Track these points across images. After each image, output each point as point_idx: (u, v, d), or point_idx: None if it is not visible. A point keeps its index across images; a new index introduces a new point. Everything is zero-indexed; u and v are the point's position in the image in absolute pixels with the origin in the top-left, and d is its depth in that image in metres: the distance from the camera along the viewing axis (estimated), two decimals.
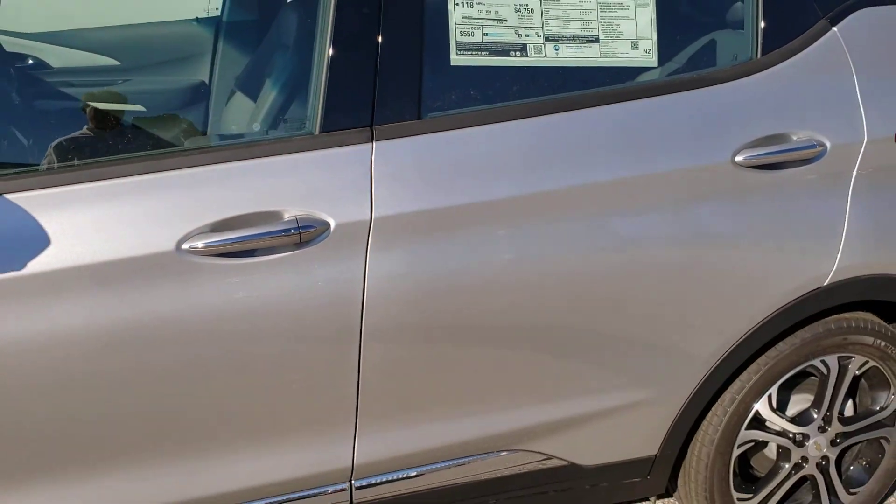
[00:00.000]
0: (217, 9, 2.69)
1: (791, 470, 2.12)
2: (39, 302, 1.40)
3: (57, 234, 1.40)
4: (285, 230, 1.49)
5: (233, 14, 2.54)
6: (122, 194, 1.44)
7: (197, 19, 2.83)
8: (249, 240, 1.48)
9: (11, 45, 2.58)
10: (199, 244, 1.46)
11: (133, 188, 1.45)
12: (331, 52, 1.54)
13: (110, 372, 1.48)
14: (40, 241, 1.39)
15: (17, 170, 1.44)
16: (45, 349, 1.42)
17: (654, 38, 1.77)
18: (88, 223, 1.42)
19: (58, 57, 2.71)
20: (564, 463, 1.91)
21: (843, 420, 2.12)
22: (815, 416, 2.09)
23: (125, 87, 2.50)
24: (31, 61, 2.60)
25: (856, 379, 2.12)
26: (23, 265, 1.38)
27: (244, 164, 1.50)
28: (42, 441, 1.49)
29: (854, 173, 1.89)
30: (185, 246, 1.45)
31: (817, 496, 2.19)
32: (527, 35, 1.68)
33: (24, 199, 1.39)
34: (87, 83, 2.49)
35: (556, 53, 1.70)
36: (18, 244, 1.39)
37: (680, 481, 2.12)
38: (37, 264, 1.38)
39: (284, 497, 1.70)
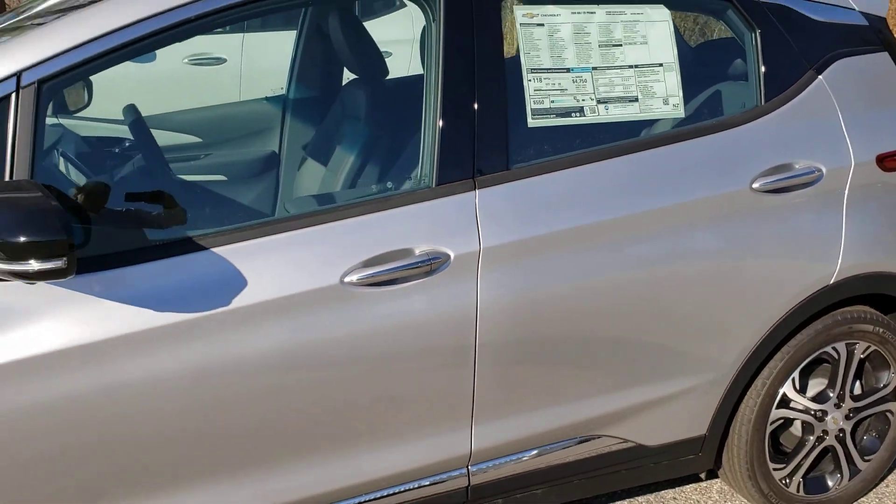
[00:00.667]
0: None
1: (815, 442, 2.53)
2: (241, 329, 1.80)
3: (251, 276, 1.80)
4: (420, 262, 1.90)
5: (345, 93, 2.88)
6: (296, 244, 1.85)
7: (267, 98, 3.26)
8: (393, 271, 1.89)
9: (115, 131, 2.98)
10: (355, 277, 1.87)
11: (303, 238, 1.86)
12: (441, 123, 1.97)
13: (291, 383, 1.87)
14: (240, 282, 1.79)
15: (213, 230, 1.84)
16: (246, 368, 1.81)
17: (680, 94, 2.23)
18: (274, 267, 1.83)
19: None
20: (633, 444, 2.32)
21: (854, 397, 2.55)
22: (831, 395, 2.51)
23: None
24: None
25: (861, 362, 2.54)
26: (228, 301, 1.78)
27: (383, 213, 1.92)
28: (244, 440, 1.88)
29: (846, 191, 2.35)
30: (346, 279, 1.86)
31: (838, 464, 2.60)
32: (583, 99, 2.13)
33: (226, 251, 1.80)
34: (191, 157, 2.89)
35: (607, 112, 2.15)
36: (223, 286, 1.79)
37: (724, 457, 2.52)
38: (238, 300, 1.78)
39: (420, 482, 2.08)
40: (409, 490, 2.08)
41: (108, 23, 1.76)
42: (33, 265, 1.52)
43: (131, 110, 2.48)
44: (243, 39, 4.17)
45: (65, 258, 1.51)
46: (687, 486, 2.77)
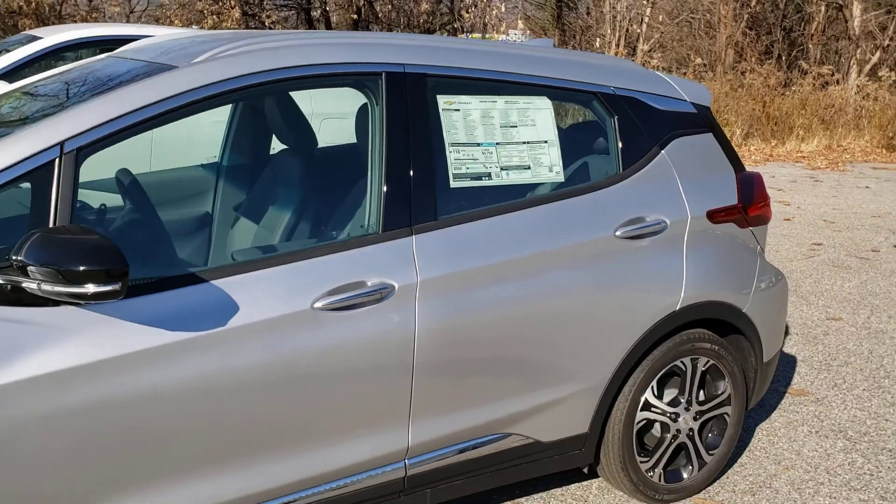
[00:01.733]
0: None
1: (671, 439, 3.18)
2: (231, 346, 2.26)
3: (240, 303, 2.28)
4: (372, 291, 2.44)
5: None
6: (272, 277, 2.35)
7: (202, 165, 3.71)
8: (352, 298, 2.41)
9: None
10: (321, 304, 2.38)
11: (278, 273, 2.36)
12: (385, 184, 2.54)
13: (271, 389, 2.34)
14: (232, 307, 2.27)
15: (207, 267, 2.31)
16: (235, 377, 2.28)
17: (560, 164, 2.89)
18: (258, 297, 2.32)
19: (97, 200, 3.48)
20: (532, 440, 2.89)
21: (699, 402, 3.23)
22: (682, 400, 3.18)
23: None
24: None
25: (703, 374, 3.23)
26: (225, 322, 2.25)
27: (340, 254, 2.45)
28: (237, 438, 2.32)
29: (686, 237, 3.06)
30: (315, 305, 2.37)
31: (689, 458, 3.26)
32: (490, 167, 2.75)
33: (223, 284, 2.27)
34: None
35: (508, 177, 2.78)
36: (218, 311, 2.26)
37: (602, 453, 3.13)
38: (233, 321, 2.26)
39: (359, 476, 2.56)
40: (360, 479, 2.56)
41: (128, 105, 2.24)
42: (90, 289, 1.95)
43: (125, 173, 2.90)
44: None
45: (121, 283, 1.96)
46: (571, 486, 3.36)
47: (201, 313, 2.24)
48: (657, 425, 3.18)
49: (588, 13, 20.88)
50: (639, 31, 18.78)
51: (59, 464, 2.11)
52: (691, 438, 3.23)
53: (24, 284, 1.99)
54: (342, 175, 2.82)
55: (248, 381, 2.31)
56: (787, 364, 4.72)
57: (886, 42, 19.77)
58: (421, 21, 18.48)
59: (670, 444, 3.19)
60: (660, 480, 3.20)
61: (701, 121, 3.26)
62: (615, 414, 3.05)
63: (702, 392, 3.26)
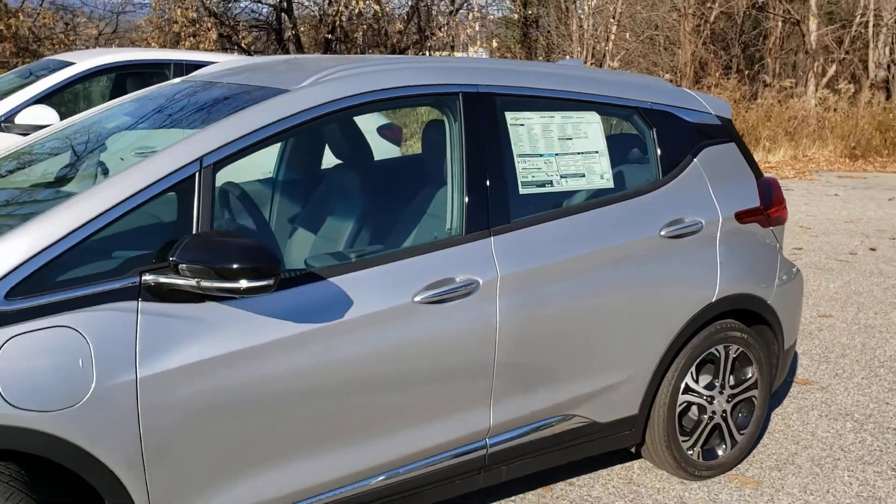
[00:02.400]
0: None
1: (707, 420, 3.52)
2: (348, 334, 2.55)
3: (354, 298, 2.57)
4: (461, 286, 2.74)
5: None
6: (378, 275, 2.64)
7: None
8: (445, 293, 2.71)
9: None
10: (420, 297, 2.67)
11: (384, 271, 2.65)
12: (466, 193, 2.84)
13: (377, 376, 2.63)
14: (347, 302, 2.55)
15: (323, 266, 2.59)
16: (353, 362, 2.56)
17: (610, 171, 3.22)
18: (367, 292, 2.60)
19: None
20: (591, 421, 3.20)
21: (731, 386, 3.57)
22: (717, 384, 3.52)
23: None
24: None
25: (734, 360, 3.57)
26: (342, 315, 2.53)
27: (432, 254, 2.74)
28: (342, 422, 2.60)
29: (718, 236, 3.41)
30: (415, 299, 2.66)
31: (723, 437, 3.59)
32: (551, 175, 3.07)
33: (337, 281, 2.56)
34: None
35: (567, 183, 3.11)
36: (333, 305, 2.54)
37: (647, 434, 3.44)
38: (348, 314, 2.54)
39: (443, 453, 2.85)
40: (449, 456, 2.85)
41: (253, 124, 2.52)
42: (243, 284, 2.23)
43: (233, 185, 3.16)
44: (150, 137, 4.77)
45: (273, 279, 2.24)
46: (615, 467, 3.67)
47: (321, 307, 2.52)
48: (695, 408, 3.51)
49: (553, 31, 21.43)
50: (606, 48, 19.32)
51: (209, 436, 2.36)
52: (724, 419, 3.57)
53: (180, 282, 2.26)
54: (426, 184, 3.11)
55: (362, 368, 2.59)
56: None
57: (842, 55, 20.58)
58: (394, 41, 18.85)
59: (707, 424, 3.52)
60: (699, 458, 3.53)
61: (725, 131, 3.62)
62: (660, 397, 3.38)
63: (732, 377, 3.59)
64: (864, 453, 3.87)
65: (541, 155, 3.06)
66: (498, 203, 2.90)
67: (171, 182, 2.37)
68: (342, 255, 2.88)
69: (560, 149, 3.11)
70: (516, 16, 19.05)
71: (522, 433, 3.01)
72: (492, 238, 2.86)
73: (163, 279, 2.26)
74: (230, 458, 2.43)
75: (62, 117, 5.18)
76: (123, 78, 5.83)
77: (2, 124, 5.18)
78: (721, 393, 3.53)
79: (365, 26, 17.32)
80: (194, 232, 2.38)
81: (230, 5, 19.02)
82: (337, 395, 2.58)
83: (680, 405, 3.44)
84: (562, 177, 3.10)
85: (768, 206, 3.64)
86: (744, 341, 3.55)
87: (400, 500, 2.79)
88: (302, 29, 19.79)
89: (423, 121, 7.83)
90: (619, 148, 3.45)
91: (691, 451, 3.50)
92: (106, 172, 2.83)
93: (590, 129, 3.20)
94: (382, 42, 18.92)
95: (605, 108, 3.30)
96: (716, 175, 3.49)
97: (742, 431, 3.65)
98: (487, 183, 2.89)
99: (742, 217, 3.52)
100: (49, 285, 2.18)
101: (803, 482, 3.59)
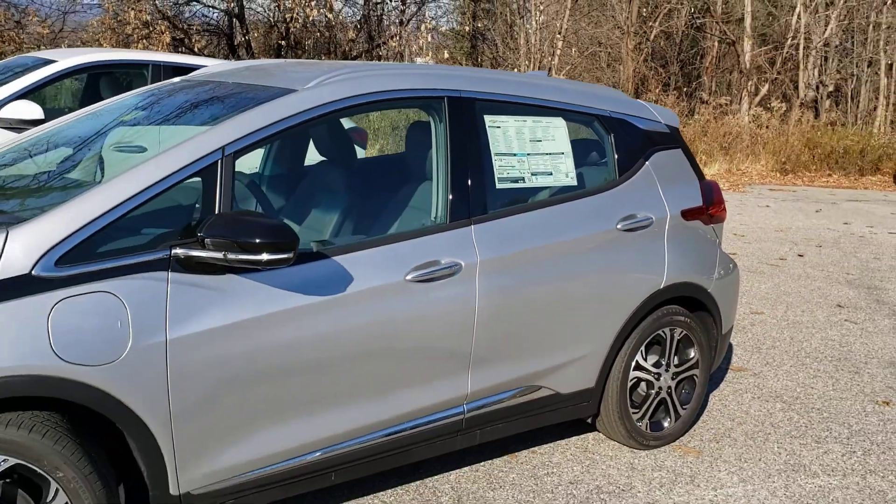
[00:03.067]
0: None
1: (654, 395, 3.93)
2: (348, 307, 2.88)
3: (354, 274, 2.90)
4: (446, 267, 3.10)
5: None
6: (375, 255, 2.98)
7: None
8: (433, 272, 3.06)
9: None
10: (411, 276, 3.02)
11: (379, 253, 2.99)
12: (450, 187, 3.21)
13: (373, 344, 2.97)
14: (348, 278, 2.89)
15: (329, 246, 2.92)
16: (353, 330, 2.89)
17: (574, 171, 3.62)
18: (363, 268, 2.94)
19: None
20: (554, 392, 3.58)
21: (676, 365, 3.99)
22: (663, 363, 3.94)
23: None
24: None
25: (678, 342, 3.99)
26: (344, 289, 2.87)
27: (420, 239, 3.09)
28: (342, 384, 2.93)
29: (666, 231, 3.83)
30: (406, 278, 3.01)
31: (667, 411, 4.01)
32: (524, 172, 3.45)
33: (339, 259, 2.89)
34: None
35: (536, 180, 3.49)
36: (336, 280, 2.87)
37: (602, 406, 3.84)
38: (350, 288, 2.88)
39: (427, 416, 3.20)
40: (432, 419, 3.20)
41: (267, 119, 2.84)
42: (265, 256, 2.55)
43: (241, 175, 3.45)
44: (159, 131, 5.05)
45: (292, 252, 2.57)
46: (572, 438, 4.06)
47: (326, 282, 2.85)
48: (643, 384, 3.92)
49: (500, 44, 21.98)
50: (552, 63, 19.92)
51: (228, 394, 2.67)
52: (669, 395, 3.99)
53: (207, 255, 2.57)
54: (414, 177, 3.45)
55: (360, 336, 2.93)
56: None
57: (774, 75, 21.54)
58: (345, 48, 19.15)
59: (654, 399, 3.94)
60: (647, 429, 3.94)
61: (672, 138, 4.05)
62: (614, 372, 3.78)
63: (676, 357, 4.01)
64: (792, 429, 4.33)
65: (514, 154, 3.44)
66: (478, 196, 3.27)
67: (197, 167, 2.68)
68: (342, 238, 3.21)
69: (531, 149, 3.50)
70: (466, 28, 19.48)
71: (495, 401, 3.38)
72: (472, 227, 3.23)
73: (191, 252, 2.57)
74: (245, 414, 2.74)
75: (45, 113, 5.39)
76: (100, 76, 6.05)
77: None
78: (667, 371, 3.95)
79: (318, 34, 17.56)
80: (217, 212, 2.69)
81: (181, 8, 19.13)
82: (338, 359, 2.91)
83: (631, 380, 3.84)
84: (532, 174, 3.48)
85: (709, 206, 4.08)
86: (687, 325, 3.97)
87: (391, 457, 3.13)
88: (254, 35, 19.94)
89: (389, 125, 8.17)
90: (581, 151, 3.85)
91: (640, 423, 3.91)
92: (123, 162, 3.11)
93: (557, 133, 3.60)
94: (332, 49, 19.21)
95: (569, 114, 3.69)
96: (664, 176, 3.92)
97: (685, 406, 4.07)
98: (469, 178, 3.26)
99: (687, 214, 3.95)
100: (91, 256, 2.47)
101: (738, 452, 4.02)
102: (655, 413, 3.99)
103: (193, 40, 17.90)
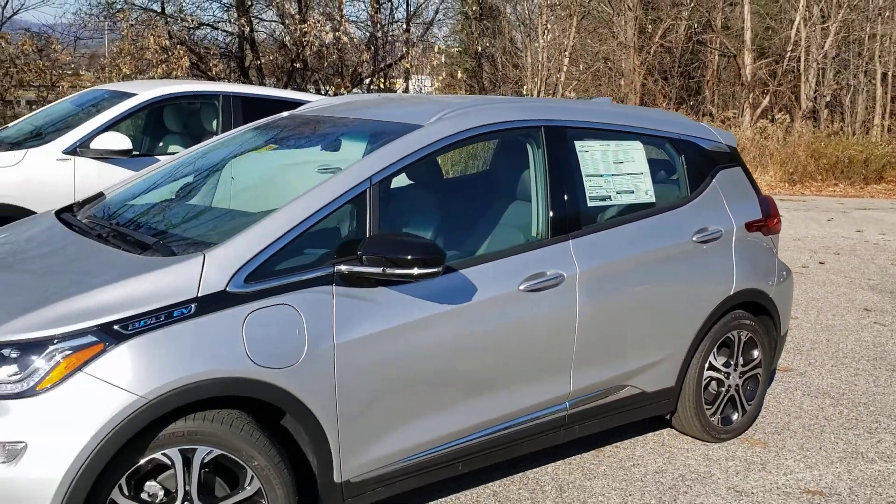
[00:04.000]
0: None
1: (725, 392, 4.31)
2: (476, 314, 3.26)
3: (477, 285, 3.28)
4: (552, 278, 3.48)
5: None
6: (491, 268, 3.36)
7: None
8: (541, 283, 3.45)
9: None
10: (523, 287, 3.41)
11: (495, 266, 3.37)
12: (550, 206, 3.59)
13: (494, 346, 3.34)
14: (472, 288, 3.27)
15: (456, 261, 3.30)
16: (472, 338, 3.27)
17: (652, 189, 4.01)
18: (484, 279, 3.32)
19: None
20: (641, 391, 3.96)
21: (742, 365, 4.38)
22: (731, 363, 4.32)
23: None
24: None
25: (744, 343, 4.38)
26: (470, 298, 3.25)
27: (527, 253, 3.48)
28: (469, 383, 3.30)
29: (733, 242, 4.23)
30: (520, 288, 3.39)
31: (736, 407, 4.39)
32: (610, 191, 3.84)
33: (465, 272, 3.27)
34: None
35: (620, 198, 3.88)
36: (464, 291, 3.25)
37: (679, 403, 4.21)
38: (475, 297, 3.25)
39: (537, 412, 3.57)
40: (540, 415, 3.57)
41: (403, 152, 3.22)
42: (416, 271, 2.93)
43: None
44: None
45: (441, 266, 2.95)
46: (649, 434, 4.44)
47: (455, 292, 3.23)
48: (714, 382, 4.30)
49: (507, 65, 22.44)
50: (559, 79, 20.38)
51: (381, 392, 3.04)
52: (737, 392, 4.37)
53: (367, 270, 2.94)
54: (516, 198, 3.82)
55: (484, 340, 3.31)
56: None
57: (775, 88, 22.05)
58: (360, 70, 19.57)
59: (724, 395, 4.32)
60: (718, 423, 4.32)
61: (732, 157, 4.45)
62: (690, 372, 4.16)
63: (742, 357, 4.39)
64: (844, 421, 4.71)
65: (602, 175, 3.83)
66: (573, 213, 3.66)
67: (351, 195, 3.06)
68: (466, 253, 3.56)
69: (615, 170, 3.89)
70: (479, 48, 19.95)
71: (593, 398, 3.75)
72: (570, 241, 3.61)
73: (354, 268, 2.95)
74: (393, 410, 3.11)
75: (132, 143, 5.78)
76: (180, 106, 6.44)
77: (78, 149, 5.74)
78: (735, 370, 4.33)
79: (334, 56, 17.99)
80: (368, 234, 3.07)
81: (192, 33, 19.53)
82: (467, 360, 3.28)
83: (705, 379, 4.22)
84: (617, 192, 3.88)
85: (768, 218, 4.48)
86: (752, 328, 4.36)
87: (506, 449, 3.50)
88: (268, 57, 20.33)
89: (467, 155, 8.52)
90: (655, 170, 4.25)
91: (713, 418, 4.29)
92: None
93: (636, 155, 4.00)
94: (341, 71, 19.63)
95: (645, 137, 4.09)
96: (728, 192, 4.32)
97: (750, 402, 4.46)
98: (565, 196, 3.65)
99: (749, 226, 4.35)
100: (271, 273, 2.85)
101: (799, 442, 4.40)
102: (725, 409, 4.36)
103: (211, 64, 18.31)
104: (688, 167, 4.20)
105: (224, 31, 20.18)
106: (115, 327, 2.57)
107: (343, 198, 3.05)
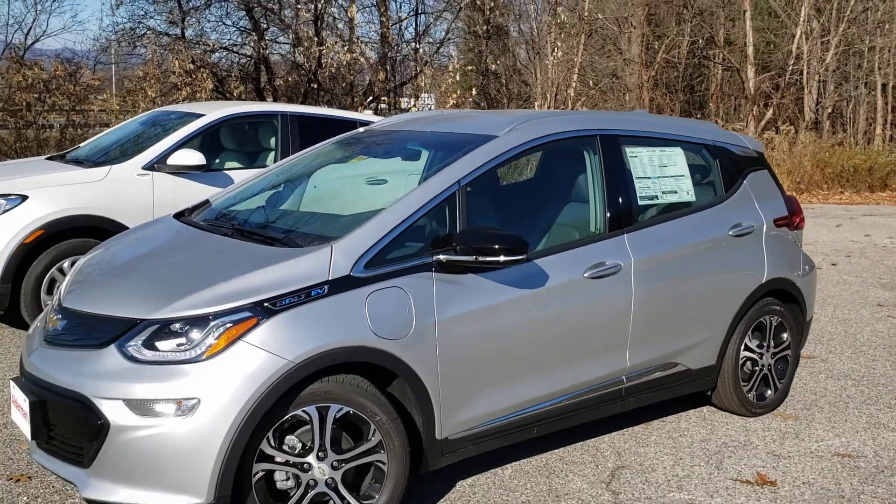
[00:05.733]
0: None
1: (759, 371, 4.81)
2: (546, 299, 3.77)
3: (549, 273, 3.79)
4: (612, 267, 3.99)
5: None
6: (560, 259, 3.87)
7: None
8: (602, 271, 3.96)
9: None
10: (587, 274, 3.92)
11: (563, 257, 3.88)
12: (607, 205, 4.11)
13: (563, 327, 3.85)
14: (545, 276, 3.78)
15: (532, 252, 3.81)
16: (551, 315, 3.78)
17: (692, 190, 4.53)
18: (554, 268, 3.83)
19: None
20: (686, 368, 4.46)
21: (773, 346, 4.88)
22: (764, 344, 4.83)
23: None
24: None
25: (774, 327, 4.88)
26: (543, 284, 3.76)
27: (588, 245, 3.99)
28: (542, 357, 3.80)
29: (764, 236, 4.74)
30: (584, 275, 3.91)
31: (768, 384, 4.89)
32: (657, 192, 4.36)
33: (538, 262, 3.78)
34: None
35: (666, 198, 4.40)
36: (538, 278, 3.76)
37: (719, 381, 4.71)
38: (548, 283, 3.76)
39: (599, 383, 4.07)
40: (601, 387, 4.07)
41: (483, 159, 3.75)
42: (502, 258, 3.44)
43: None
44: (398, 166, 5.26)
45: (525, 254, 3.46)
46: (690, 410, 4.94)
47: (531, 279, 3.74)
48: (749, 362, 4.80)
49: (517, 79, 23.04)
50: (568, 94, 20.95)
51: (471, 362, 3.54)
52: (770, 371, 4.87)
53: (462, 259, 3.45)
54: (580, 198, 4.33)
55: (555, 320, 3.81)
56: None
57: (778, 100, 22.63)
58: (368, 88, 20.13)
59: (758, 374, 4.81)
60: (754, 399, 4.81)
61: (760, 161, 4.98)
62: (729, 352, 4.66)
63: (773, 340, 4.89)
64: (865, 399, 5.21)
65: (649, 177, 4.35)
66: (626, 210, 4.18)
67: (445, 195, 3.58)
68: (536, 246, 4.05)
69: (660, 173, 4.41)
70: (493, 67, 20.56)
71: (646, 373, 4.26)
72: (625, 235, 4.13)
73: (451, 257, 3.46)
74: (481, 378, 3.61)
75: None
76: (240, 126, 6.98)
77: (156, 165, 6.27)
78: (767, 351, 4.84)
79: (352, 76, 18.58)
80: (458, 229, 3.58)
81: (208, 55, 20.13)
82: (540, 337, 3.79)
83: (742, 359, 4.72)
84: (663, 193, 4.39)
85: (792, 215, 5.00)
86: (781, 313, 4.87)
87: (572, 417, 4.00)
88: (286, 80, 20.90)
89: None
90: (693, 173, 4.77)
91: (749, 394, 4.78)
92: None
93: (677, 160, 4.52)
94: (352, 90, 20.20)
95: (684, 144, 4.62)
96: (758, 193, 4.83)
97: (781, 381, 4.95)
98: (619, 196, 4.17)
99: (777, 222, 4.86)
100: (384, 261, 3.37)
101: (827, 416, 4.90)
102: (759, 386, 4.86)
103: (232, 86, 18.91)
104: (722, 170, 4.72)
105: (241, 54, 20.79)
106: (266, 304, 3.09)
107: (438, 198, 3.57)
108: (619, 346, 4.10)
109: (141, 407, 2.97)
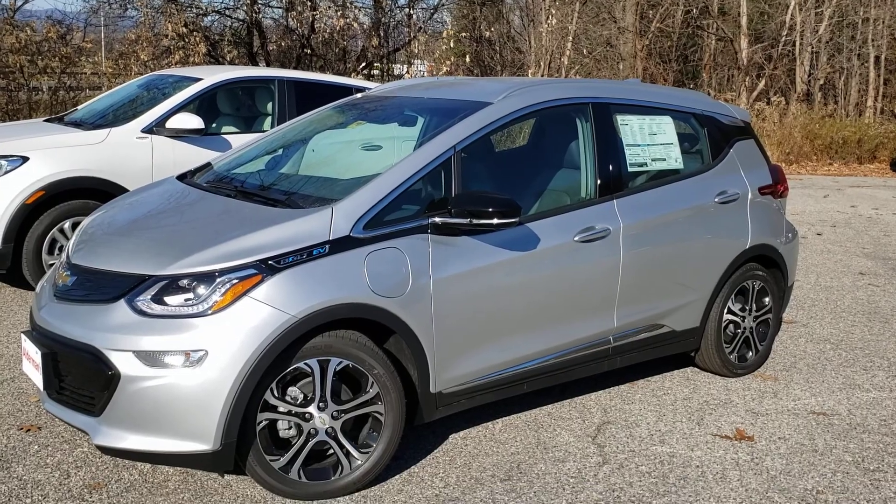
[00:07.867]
0: None
1: (740, 334, 5.00)
2: (538, 260, 3.92)
3: (540, 236, 3.94)
4: (601, 230, 4.15)
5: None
6: (551, 223, 4.01)
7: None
8: (591, 235, 4.11)
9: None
10: (576, 238, 4.07)
11: (554, 221, 4.03)
12: (597, 171, 4.25)
13: (554, 288, 4.01)
14: (536, 239, 3.93)
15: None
16: (536, 279, 3.93)
17: (681, 157, 4.67)
18: (545, 231, 3.99)
19: None
20: (671, 329, 4.64)
21: (755, 310, 5.05)
22: (746, 308, 5.01)
23: None
24: None
25: (758, 292, 5.05)
26: (535, 246, 3.91)
27: (579, 210, 4.13)
28: (533, 317, 3.97)
29: (748, 203, 4.90)
30: (574, 239, 4.06)
31: (749, 346, 5.08)
32: (646, 159, 4.51)
33: (530, 225, 3.93)
34: None
35: (655, 165, 4.55)
36: (530, 241, 3.91)
37: (703, 342, 4.89)
38: (539, 246, 3.91)
39: (586, 343, 4.24)
40: (589, 345, 4.24)
41: (479, 124, 3.88)
42: (495, 221, 3.58)
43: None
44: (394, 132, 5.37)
45: (518, 218, 3.61)
46: (674, 371, 5.12)
47: (523, 242, 3.89)
48: (731, 325, 4.98)
49: (508, 49, 23.04)
50: (562, 62, 20.98)
51: (464, 320, 3.70)
52: (751, 333, 5.05)
53: (457, 221, 3.60)
54: (568, 165, 4.47)
55: (546, 281, 3.97)
56: None
57: (771, 71, 22.70)
58: (361, 55, 20.10)
59: (740, 336, 5.00)
60: (735, 360, 5.00)
61: (747, 131, 5.12)
62: (712, 315, 4.83)
63: (755, 304, 5.07)
64: (842, 362, 5.41)
65: (639, 145, 4.50)
66: (616, 177, 4.32)
67: (441, 160, 3.72)
68: (528, 210, 4.19)
69: (650, 141, 4.55)
70: (487, 33, 20.55)
71: (633, 334, 4.43)
72: (615, 200, 4.28)
73: (446, 220, 3.61)
74: (474, 335, 3.77)
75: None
76: (237, 91, 7.07)
77: (154, 128, 6.38)
78: (749, 314, 5.02)
79: (345, 42, 18.56)
80: (453, 192, 3.72)
81: (200, 19, 20.04)
82: (531, 298, 3.95)
83: (724, 322, 4.90)
84: (652, 160, 4.54)
85: (776, 184, 5.15)
86: (763, 278, 5.04)
87: (560, 374, 4.17)
88: (278, 45, 20.84)
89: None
90: (683, 142, 4.91)
91: (731, 355, 4.97)
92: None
93: (666, 128, 4.66)
94: (345, 56, 20.18)
95: (673, 113, 4.75)
96: (743, 161, 4.98)
97: (762, 343, 5.14)
98: (609, 163, 4.31)
99: (762, 190, 5.02)
100: (382, 223, 3.51)
101: (805, 377, 5.10)
102: (741, 348, 5.04)
103: (225, 51, 18.87)
104: (709, 139, 4.86)
105: (233, 17, 20.69)
106: (270, 262, 3.23)
107: (434, 163, 3.71)
108: (606, 308, 4.27)
109: (150, 358, 3.12)
